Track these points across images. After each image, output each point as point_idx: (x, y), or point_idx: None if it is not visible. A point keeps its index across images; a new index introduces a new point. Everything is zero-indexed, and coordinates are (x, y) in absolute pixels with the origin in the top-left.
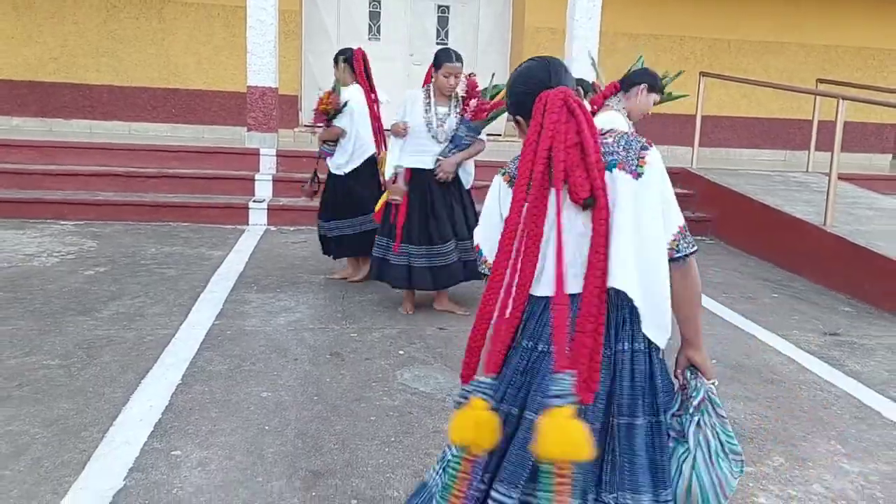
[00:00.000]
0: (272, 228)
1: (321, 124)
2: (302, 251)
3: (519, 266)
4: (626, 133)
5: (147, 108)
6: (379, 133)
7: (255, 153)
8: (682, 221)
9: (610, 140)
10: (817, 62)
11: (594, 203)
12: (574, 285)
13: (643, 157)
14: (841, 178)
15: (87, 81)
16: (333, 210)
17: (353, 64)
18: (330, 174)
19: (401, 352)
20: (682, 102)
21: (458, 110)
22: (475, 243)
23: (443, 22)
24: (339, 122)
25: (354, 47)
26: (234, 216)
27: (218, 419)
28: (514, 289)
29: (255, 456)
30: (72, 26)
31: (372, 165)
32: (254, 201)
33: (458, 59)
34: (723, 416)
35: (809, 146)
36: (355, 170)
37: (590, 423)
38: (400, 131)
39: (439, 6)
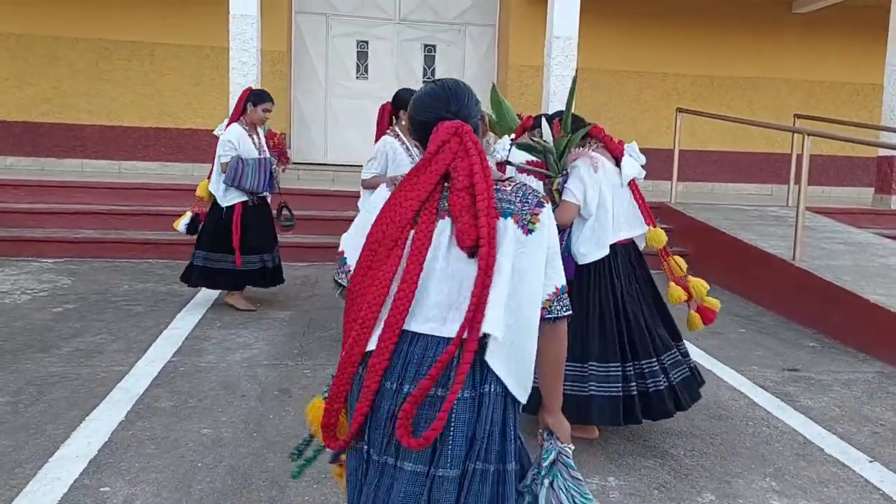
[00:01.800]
0: None
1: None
2: (271, 288)
3: (393, 298)
4: (525, 184)
5: (137, 146)
6: None
7: None
8: (561, 283)
9: (508, 188)
10: (800, 97)
11: (477, 251)
12: (445, 328)
13: (536, 214)
14: (822, 212)
15: (80, 121)
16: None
17: None
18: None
19: None
20: (665, 137)
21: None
22: (340, 249)
23: (429, 61)
24: None
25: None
26: None
27: (153, 456)
28: (381, 323)
29: (182, 492)
30: (65, 68)
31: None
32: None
33: None
34: (578, 479)
35: (789, 181)
36: None
37: (448, 469)
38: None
39: (426, 45)
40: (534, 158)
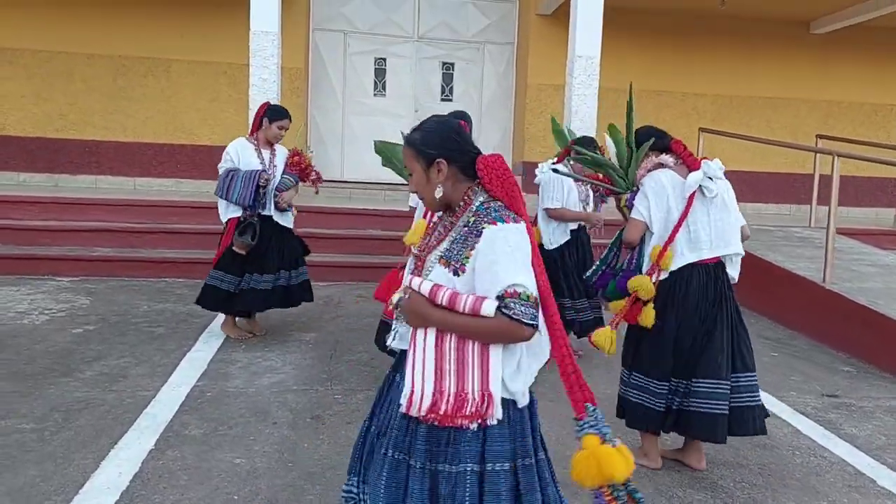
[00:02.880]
0: None
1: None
2: (293, 308)
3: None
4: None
5: (153, 163)
6: None
7: None
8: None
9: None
10: (819, 117)
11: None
12: None
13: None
14: (845, 233)
15: (95, 137)
16: None
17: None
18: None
19: None
20: None
21: None
22: (534, 295)
23: (447, 79)
24: None
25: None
26: None
27: (186, 487)
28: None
29: None
30: (81, 84)
31: None
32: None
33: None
34: None
35: (811, 201)
36: None
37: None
38: None
39: (444, 63)
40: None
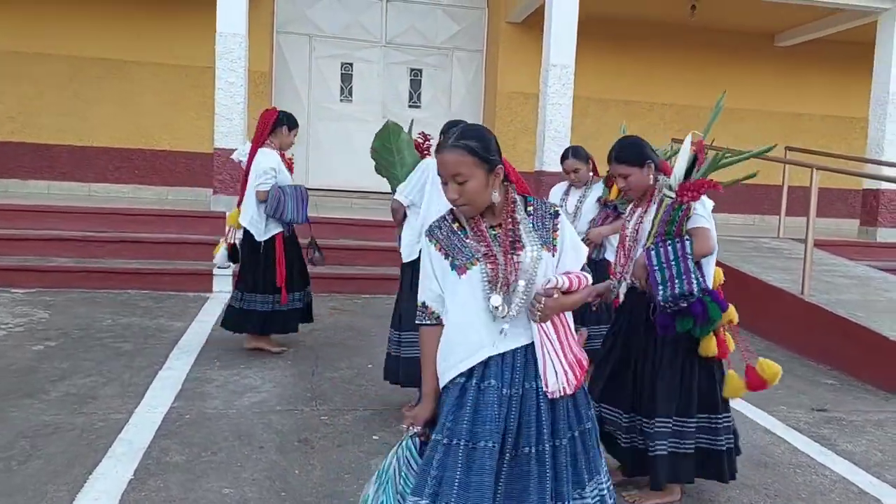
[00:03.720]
0: None
1: None
2: None
3: None
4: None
5: (109, 168)
6: None
7: (222, 216)
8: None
9: None
10: (783, 129)
11: None
12: None
13: None
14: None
15: (48, 141)
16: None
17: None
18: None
19: (375, 437)
20: None
21: None
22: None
23: (415, 85)
24: None
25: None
26: (197, 283)
27: None
28: None
29: None
30: (32, 86)
31: None
32: (218, 267)
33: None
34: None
35: (780, 212)
36: None
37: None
38: None
39: (412, 70)
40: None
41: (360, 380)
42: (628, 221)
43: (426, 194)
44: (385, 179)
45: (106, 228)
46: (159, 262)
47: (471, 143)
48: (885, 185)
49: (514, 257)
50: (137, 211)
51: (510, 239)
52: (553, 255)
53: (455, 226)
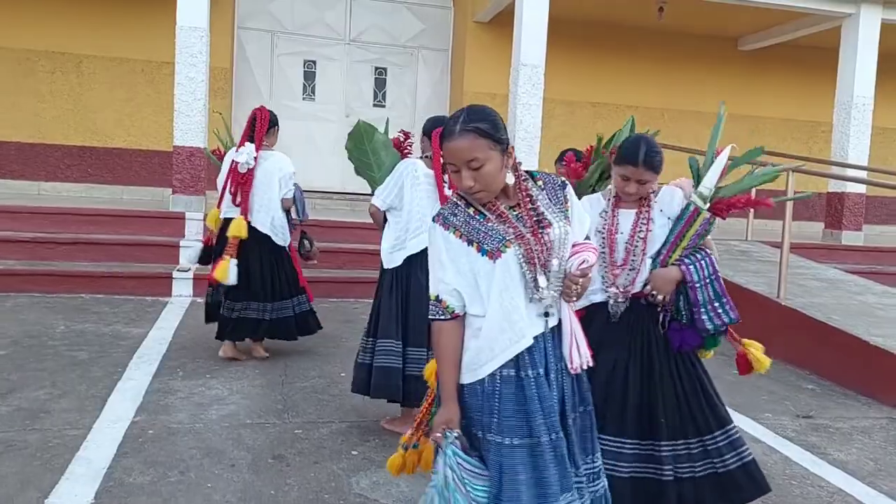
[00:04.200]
0: (198, 300)
1: None
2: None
3: None
4: None
5: (60, 166)
6: None
7: (181, 217)
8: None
9: None
10: (746, 132)
11: None
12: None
13: None
14: (776, 245)
15: None
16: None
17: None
18: None
19: (354, 452)
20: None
21: None
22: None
23: (380, 84)
24: None
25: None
26: (155, 287)
27: None
28: None
29: None
30: None
31: None
32: (178, 270)
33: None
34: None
35: (748, 214)
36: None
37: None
38: None
39: (376, 68)
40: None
41: (333, 389)
42: (619, 222)
43: (406, 196)
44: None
45: (58, 229)
46: (115, 265)
47: (481, 126)
48: (850, 189)
49: (544, 236)
50: (91, 211)
51: (534, 218)
52: (570, 228)
53: (471, 210)
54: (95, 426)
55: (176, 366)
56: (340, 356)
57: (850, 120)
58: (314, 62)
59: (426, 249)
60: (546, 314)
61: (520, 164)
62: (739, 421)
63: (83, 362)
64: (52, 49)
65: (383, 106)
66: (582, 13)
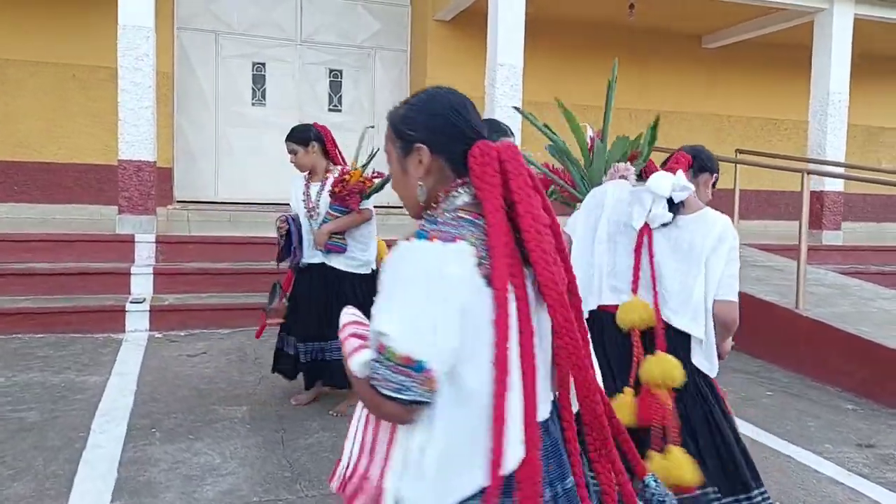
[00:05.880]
0: (157, 335)
1: (344, 207)
2: (204, 368)
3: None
4: None
5: None
6: None
7: (130, 240)
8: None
9: None
10: (711, 131)
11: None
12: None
13: None
14: (761, 247)
15: None
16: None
17: (325, 143)
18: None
19: None
20: None
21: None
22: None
23: (335, 87)
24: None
25: (315, 122)
26: (106, 322)
27: None
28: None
29: None
30: None
31: None
32: (131, 301)
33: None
34: None
35: (734, 216)
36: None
37: None
38: None
39: (331, 70)
40: None
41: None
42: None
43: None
44: None
45: None
46: (57, 299)
47: (396, 110)
48: (828, 187)
49: None
50: (24, 236)
51: None
52: None
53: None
54: None
55: (149, 424)
56: (337, 400)
57: (826, 117)
58: (263, 65)
59: None
60: None
61: (455, 193)
62: (802, 457)
63: (35, 426)
64: None
65: (339, 110)
66: (553, 13)
